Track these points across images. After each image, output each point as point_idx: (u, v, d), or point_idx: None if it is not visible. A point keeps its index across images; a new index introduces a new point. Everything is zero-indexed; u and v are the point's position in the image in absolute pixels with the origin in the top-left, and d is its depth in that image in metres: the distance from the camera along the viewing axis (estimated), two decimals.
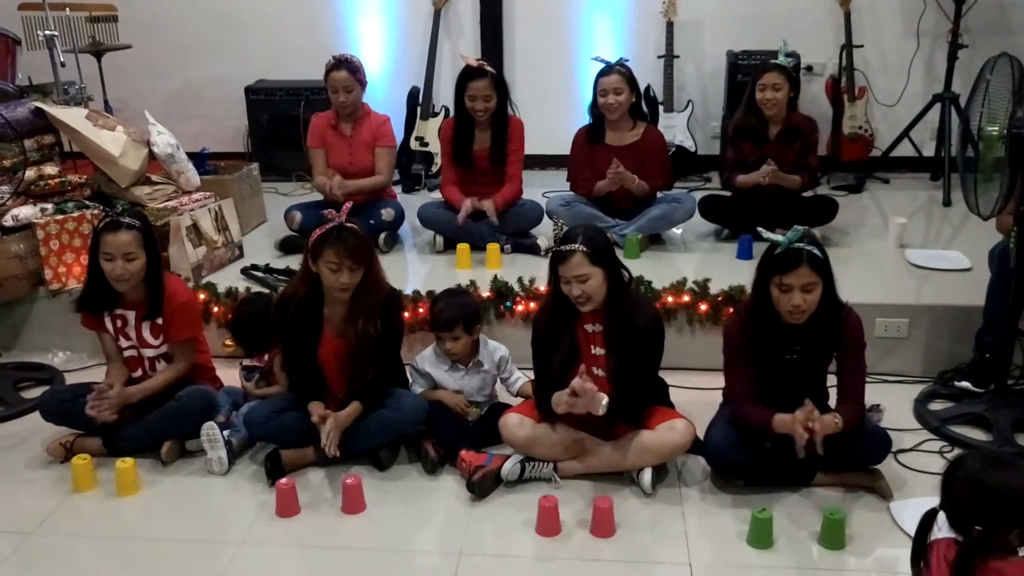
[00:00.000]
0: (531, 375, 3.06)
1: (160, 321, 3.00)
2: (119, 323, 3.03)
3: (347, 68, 4.07)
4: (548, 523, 2.58)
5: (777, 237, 2.63)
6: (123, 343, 3.05)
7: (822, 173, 5.27)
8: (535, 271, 3.71)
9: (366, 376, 2.89)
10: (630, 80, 4.05)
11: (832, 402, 2.84)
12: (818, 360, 2.76)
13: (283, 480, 2.75)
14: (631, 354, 2.73)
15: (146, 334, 3.02)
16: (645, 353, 2.76)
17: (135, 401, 2.96)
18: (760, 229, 2.76)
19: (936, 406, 3.25)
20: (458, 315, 3.05)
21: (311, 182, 4.39)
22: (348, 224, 2.81)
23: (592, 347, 2.78)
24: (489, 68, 4.04)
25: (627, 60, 4.13)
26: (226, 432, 2.97)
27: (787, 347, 2.70)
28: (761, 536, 2.52)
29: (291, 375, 3.03)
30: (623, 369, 2.73)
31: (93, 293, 2.99)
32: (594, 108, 4.15)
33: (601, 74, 4.06)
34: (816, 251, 2.58)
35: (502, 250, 4.09)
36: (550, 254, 2.77)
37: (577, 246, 2.66)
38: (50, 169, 4.04)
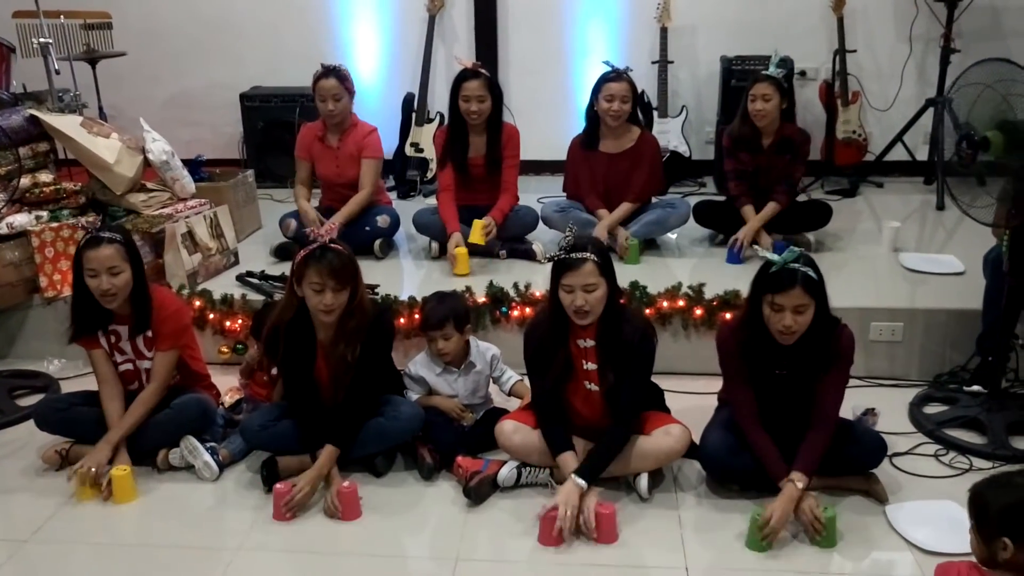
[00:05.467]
0: (524, 377, 3.06)
1: (150, 334, 2.98)
2: (112, 338, 3.00)
3: (335, 76, 4.05)
4: (550, 533, 2.57)
5: (772, 256, 2.61)
6: (118, 358, 3.02)
7: (816, 177, 5.32)
8: (530, 276, 3.72)
9: (338, 399, 2.88)
10: (635, 90, 4.08)
11: None
12: (808, 377, 2.72)
13: (279, 484, 2.75)
14: (622, 368, 2.73)
15: (141, 346, 3.00)
16: (635, 365, 2.75)
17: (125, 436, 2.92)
18: (756, 247, 2.73)
19: (931, 409, 3.26)
20: (448, 313, 3.06)
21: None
22: (332, 245, 2.78)
23: (584, 362, 2.77)
24: (483, 70, 4.05)
25: (632, 70, 4.13)
26: (208, 443, 2.97)
27: (777, 363, 2.70)
28: (758, 539, 2.53)
29: (288, 394, 3.01)
30: (617, 383, 2.73)
31: (83, 316, 2.95)
32: (590, 112, 4.16)
33: (609, 79, 4.04)
34: (811, 272, 2.56)
35: (497, 255, 4.10)
36: (553, 262, 2.72)
37: (589, 255, 2.64)
38: (45, 177, 4.04)
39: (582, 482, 2.62)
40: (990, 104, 2.89)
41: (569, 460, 2.71)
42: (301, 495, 2.72)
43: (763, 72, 4.02)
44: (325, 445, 2.82)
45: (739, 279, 3.54)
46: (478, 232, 3.98)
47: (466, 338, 3.14)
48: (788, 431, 2.71)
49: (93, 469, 2.81)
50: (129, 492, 2.83)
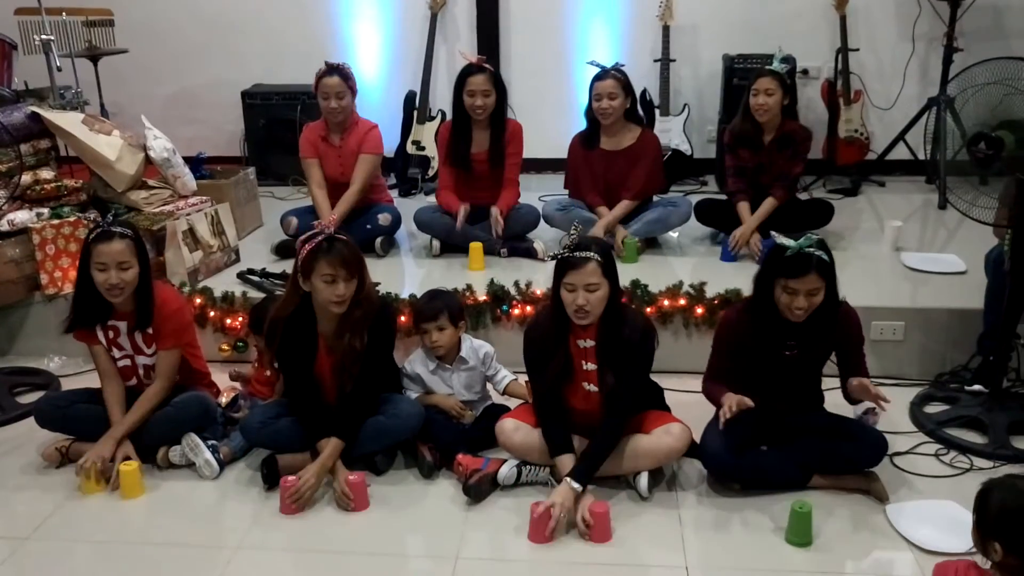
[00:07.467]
0: (519, 375, 3.07)
1: (151, 331, 2.98)
2: (111, 334, 3.00)
3: (339, 74, 4.05)
4: (539, 531, 2.57)
5: (790, 242, 2.63)
6: (116, 353, 3.02)
7: (818, 176, 5.31)
8: (531, 274, 3.72)
9: (346, 389, 2.88)
10: (625, 85, 4.05)
11: (827, 404, 2.87)
12: (816, 357, 2.78)
13: (290, 477, 2.74)
14: (622, 367, 2.72)
15: (140, 342, 3.00)
16: (634, 361, 2.74)
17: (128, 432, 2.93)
18: (774, 233, 2.74)
19: (932, 409, 3.26)
20: (443, 305, 3.07)
21: (308, 188, 4.36)
22: (337, 235, 2.79)
23: (584, 362, 2.77)
24: (488, 65, 4.05)
25: (623, 65, 4.13)
26: (210, 442, 2.97)
27: (785, 343, 2.72)
28: (800, 530, 2.52)
29: (288, 389, 3.01)
30: (616, 383, 2.72)
31: (84, 308, 2.95)
32: (589, 112, 4.16)
33: (596, 78, 4.06)
34: (825, 257, 2.60)
35: (499, 254, 4.10)
36: (557, 259, 2.71)
37: (592, 254, 2.64)
38: (46, 174, 4.05)
39: (577, 485, 2.63)
40: (988, 104, 2.89)
41: (567, 462, 2.71)
42: (307, 487, 2.73)
43: (765, 67, 4.01)
44: (330, 438, 2.83)
45: (740, 277, 3.54)
46: (478, 258, 3.96)
47: (460, 333, 3.13)
48: (791, 413, 2.77)
49: (98, 464, 2.83)
50: (136, 487, 2.84)
